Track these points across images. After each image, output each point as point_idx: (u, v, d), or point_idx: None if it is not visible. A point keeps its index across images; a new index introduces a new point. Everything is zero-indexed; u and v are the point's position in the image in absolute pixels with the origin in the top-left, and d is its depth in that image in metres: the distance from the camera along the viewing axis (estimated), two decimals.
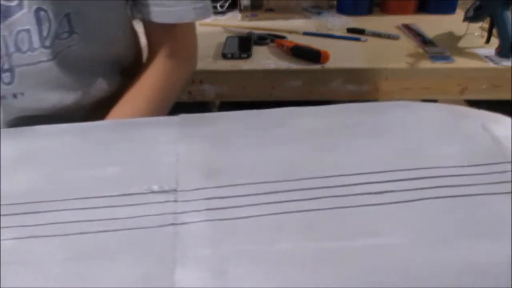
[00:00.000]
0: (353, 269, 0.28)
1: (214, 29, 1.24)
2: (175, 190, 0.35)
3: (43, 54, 0.57)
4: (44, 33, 0.56)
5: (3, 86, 0.58)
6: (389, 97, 1.00)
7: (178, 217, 0.33)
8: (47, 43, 0.57)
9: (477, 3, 1.04)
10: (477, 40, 1.11)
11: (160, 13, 0.65)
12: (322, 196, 0.33)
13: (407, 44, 1.11)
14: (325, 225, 0.31)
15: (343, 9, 1.37)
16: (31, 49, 0.57)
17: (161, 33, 0.68)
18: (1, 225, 0.33)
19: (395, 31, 1.18)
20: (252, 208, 0.33)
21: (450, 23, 1.23)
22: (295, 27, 1.23)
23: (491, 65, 1.00)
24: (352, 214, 0.32)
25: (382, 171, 0.35)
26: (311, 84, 0.98)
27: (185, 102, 1.02)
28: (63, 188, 0.36)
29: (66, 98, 0.62)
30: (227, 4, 1.42)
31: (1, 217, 0.34)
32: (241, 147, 0.39)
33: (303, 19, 1.34)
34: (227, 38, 1.13)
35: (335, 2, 1.40)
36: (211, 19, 1.35)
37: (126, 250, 0.31)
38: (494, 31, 1.06)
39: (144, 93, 0.66)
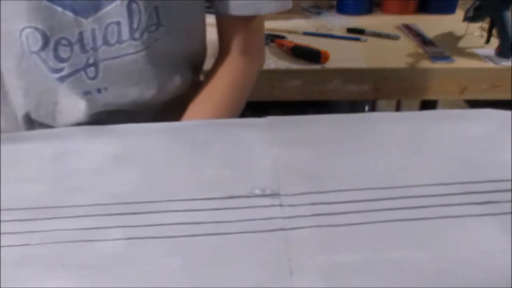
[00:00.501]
0: (464, 279, 0.28)
1: (214, 29, 1.23)
2: (278, 194, 0.35)
3: (131, 47, 0.58)
4: (135, 25, 0.56)
5: (87, 81, 0.58)
6: (389, 97, 1.00)
7: (287, 222, 0.32)
8: (137, 35, 0.57)
9: (477, 3, 1.04)
10: (477, 40, 1.11)
11: (238, 6, 0.64)
12: (424, 206, 0.33)
13: (407, 44, 1.11)
14: (431, 235, 0.31)
15: (343, 9, 1.37)
16: (120, 41, 0.57)
17: (236, 28, 0.67)
18: (112, 224, 0.33)
19: (395, 31, 1.18)
20: (358, 215, 0.33)
21: (450, 23, 1.23)
22: (295, 27, 1.23)
23: (491, 65, 1.00)
24: (452, 224, 0.32)
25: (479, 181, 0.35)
26: (311, 84, 0.98)
27: None
28: (164, 189, 0.36)
29: (146, 93, 0.62)
30: None
31: (111, 216, 0.34)
32: (338, 153, 0.39)
33: (303, 19, 1.34)
34: None
35: (335, 2, 1.40)
36: (211, 19, 1.35)
37: (239, 254, 0.30)
38: (494, 31, 1.06)
39: (220, 92, 0.65)
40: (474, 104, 1.41)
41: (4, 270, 0.30)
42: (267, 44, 1.11)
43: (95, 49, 0.57)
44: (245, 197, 0.35)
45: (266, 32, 1.19)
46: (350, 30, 1.19)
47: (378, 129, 0.43)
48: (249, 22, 0.66)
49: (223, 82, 0.66)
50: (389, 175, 0.36)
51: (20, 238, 0.33)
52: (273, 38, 1.12)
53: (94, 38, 0.56)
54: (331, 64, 0.99)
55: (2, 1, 0.55)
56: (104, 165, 0.39)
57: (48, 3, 0.54)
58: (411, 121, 0.45)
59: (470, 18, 1.06)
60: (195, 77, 0.70)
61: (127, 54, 0.58)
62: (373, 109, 1.94)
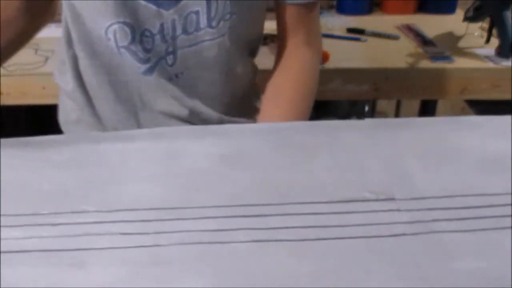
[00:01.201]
0: None
1: None
2: (393, 199, 0.34)
3: (207, 34, 0.59)
4: (212, 14, 0.58)
5: (168, 68, 0.60)
6: (389, 97, 1.00)
7: (407, 227, 0.32)
8: (214, 23, 0.59)
9: (477, 3, 1.04)
10: (477, 40, 1.11)
11: None
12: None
13: (407, 44, 1.11)
14: None
15: (343, 9, 1.37)
16: (197, 29, 0.59)
17: (300, 17, 0.66)
18: (237, 227, 0.33)
19: (395, 31, 1.18)
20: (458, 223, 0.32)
21: (450, 23, 1.23)
22: None
23: (491, 65, 1.00)
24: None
25: None
26: None
27: None
28: (279, 192, 0.36)
29: (218, 79, 0.64)
30: None
31: (235, 218, 0.33)
32: (429, 162, 0.39)
33: None
34: None
35: (335, 2, 1.40)
36: None
37: (376, 259, 0.30)
38: (494, 31, 1.06)
39: (292, 85, 0.65)
40: (474, 104, 1.41)
41: (140, 270, 0.30)
42: (267, 44, 1.11)
43: (174, 38, 0.59)
44: (363, 201, 0.34)
45: (266, 32, 1.19)
46: (350, 30, 1.19)
47: (449, 140, 0.42)
48: (312, 9, 0.67)
49: (293, 75, 0.66)
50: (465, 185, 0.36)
51: (150, 239, 0.32)
52: (273, 38, 1.12)
53: (174, 28, 0.58)
54: (331, 64, 0.99)
55: (87, 1, 0.56)
56: (214, 166, 0.39)
57: None
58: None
59: (470, 18, 1.06)
60: (253, 62, 0.72)
61: (203, 41, 0.60)
62: (373, 109, 1.94)
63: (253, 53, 0.71)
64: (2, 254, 0.31)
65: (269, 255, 0.31)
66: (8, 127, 1.40)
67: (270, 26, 1.24)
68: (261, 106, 0.65)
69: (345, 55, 1.04)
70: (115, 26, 0.57)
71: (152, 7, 0.57)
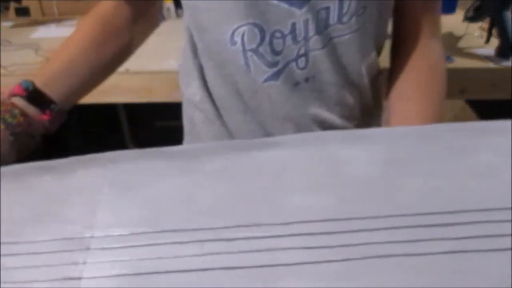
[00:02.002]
0: None
1: None
2: None
3: (336, 30, 0.56)
4: (344, 9, 0.55)
5: (297, 71, 0.57)
6: None
7: None
8: (345, 19, 0.56)
9: (477, 3, 1.04)
10: (477, 40, 1.11)
11: None
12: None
13: None
14: None
15: None
16: (326, 26, 0.56)
17: (428, 7, 0.61)
18: (427, 237, 0.31)
19: None
20: None
21: (450, 23, 1.23)
22: None
23: (491, 65, 1.00)
24: None
25: None
26: None
27: None
28: (458, 199, 0.33)
29: (346, 82, 0.60)
30: None
31: (419, 228, 0.31)
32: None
33: None
34: None
35: None
36: None
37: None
38: (494, 31, 1.06)
39: (427, 82, 0.60)
40: (474, 104, 1.41)
41: (337, 284, 0.29)
42: None
43: (306, 39, 0.56)
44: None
45: None
46: None
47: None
48: (436, 3, 0.61)
49: (424, 71, 0.61)
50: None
51: (337, 253, 0.30)
52: None
53: (306, 28, 0.55)
54: None
55: (214, 5, 0.54)
56: (379, 173, 0.36)
57: None
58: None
59: (470, 18, 1.07)
60: (378, 62, 0.66)
61: (332, 38, 0.56)
62: None
63: (379, 52, 0.66)
64: (181, 273, 0.30)
65: (471, 265, 0.29)
66: None
67: None
68: (389, 111, 0.61)
69: None
70: (244, 28, 0.54)
71: (284, 6, 0.54)
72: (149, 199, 0.35)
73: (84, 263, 0.31)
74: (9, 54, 1.12)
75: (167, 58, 1.04)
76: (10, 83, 1.09)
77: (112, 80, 1.00)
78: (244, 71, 0.56)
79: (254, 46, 0.55)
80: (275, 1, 0.53)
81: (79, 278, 0.31)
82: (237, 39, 0.55)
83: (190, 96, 0.64)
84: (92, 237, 0.33)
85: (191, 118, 0.67)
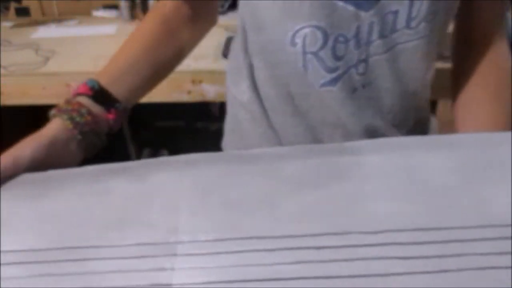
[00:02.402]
0: None
1: (214, 29, 1.23)
2: None
3: (403, 35, 0.53)
4: (413, 14, 0.52)
5: (356, 77, 0.55)
6: None
7: None
8: (413, 24, 0.53)
9: None
10: None
11: None
12: None
13: None
14: None
15: None
16: (393, 30, 0.53)
17: (494, 10, 0.59)
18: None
19: None
20: None
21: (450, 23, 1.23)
22: None
23: None
24: None
25: None
26: None
27: (185, 102, 1.02)
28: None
29: (404, 89, 0.57)
30: (227, 4, 1.42)
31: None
32: None
33: None
34: (227, 38, 1.13)
35: None
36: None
37: None
38: None
39: (502, 93, 0.57)
40: None
41: None
42: None
43: (368, 43, 0.53)
44: None
45: None
46: None
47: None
48: (503, 4, 0.59)
49: (495, 75, 0.58)
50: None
51: (433, 264, 0.30)
52: None
53: (370, 32, 0.52)
54: None
55: (278, 4, 0.52)
56: (462, 180, 0.35)
57: None
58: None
59: None
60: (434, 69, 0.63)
61: (397, 44, 0.54)
62: None
63: (437, 57, 0.64)
64: (271, 281, 0.29)
65: None
66: (8, 127, 1.40)
67: None
68: (458, 116, 0.59)
69: None
70: (306, 30, 0.52)
71: (351, 8, 0.51)
72: (231, 204, 0.34)
73: (172, 269, 0.31)
74: (9, 54, 1.12)
75: None
76: (10, 83, 1.09)
77: None
78: (300, 73, 0.55)
79: (315, 49, 0.53)
80: (341, 2, 0.50)
81: (169, 285, 0.30)
82: (298, 40, 0.53)
83: (238, 95, 0.63)
84: (178, 242, 0.32)
85: (235, 116, 0.65)
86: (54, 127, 0.49)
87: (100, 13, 1.44)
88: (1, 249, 0.33)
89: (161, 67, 0.61)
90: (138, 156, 2.11)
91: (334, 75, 0.54)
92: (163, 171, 0.38)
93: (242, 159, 0.38)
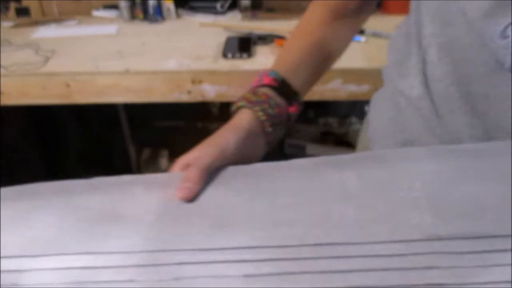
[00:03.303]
0: None
1: (214, 29, 1.24)
2: None
3: None
4: None
5: None
6: None
7: None
8: None
9: None
10: None
11: None
12: None
13: None
14: None
15: None
16: None
17: None
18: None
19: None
20: None
21: None
22: None
23: None
24: None
25: None
26: None
27: (185, 102, 1.02)
28: None
29: None
30: (227, 4, 1.42)
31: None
32: None
33: None
34: (227, 38, 1.13)
35: None
36: (211, 19, 1.35)
37: None
38: None
39: None
40: None
41: None
42: (267, 44, 1.11)
43: None
44: None
45: (266, 32, 1.19)
46: None
47: None
48: None
49: None
50: None
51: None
52: (273, 38, 1.12)
53: None
54: None
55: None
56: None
57: None
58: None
59: None
60: None
61: None
62: None
63: None
64: None
65: None
66: (8, 127, 1.40)
67: (270, 26, 1.24)
68: None
69: (345, 55, 1.03)
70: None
71: None
72: None
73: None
74: (9, 54, 1.12)
75: (167, 58, 1.04)
76: (10, 83, 1.09)
77: (112, 80, 1.00)
78: (487, 73, 0.51)
79: None
80: None
81: None
82: (510, 32, 0.48)
83: (405, 90, 0.59)
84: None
85: (397, 105, 0.61)
86: (248, 119, 0.47)
87: (100, 13, 1.44)
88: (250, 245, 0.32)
89: (331, 59, 0.60)
90: (138, 156, 2.11)
91: None
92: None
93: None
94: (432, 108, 0.57)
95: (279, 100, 0.51)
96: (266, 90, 0.50)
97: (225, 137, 0.44)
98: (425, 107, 0.57)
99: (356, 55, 1.05)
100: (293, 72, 0.54)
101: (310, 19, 0.59)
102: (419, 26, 0.56)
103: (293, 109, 0.52)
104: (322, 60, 0.58)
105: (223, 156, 0.42)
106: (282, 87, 0.52)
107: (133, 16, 1.38)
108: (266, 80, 0.51)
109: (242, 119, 0.47)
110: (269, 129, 0.48)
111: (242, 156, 0.44)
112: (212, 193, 0.38)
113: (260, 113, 0.48)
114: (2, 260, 0.32)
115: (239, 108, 0.49)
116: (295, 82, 0.54)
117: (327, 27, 0.58)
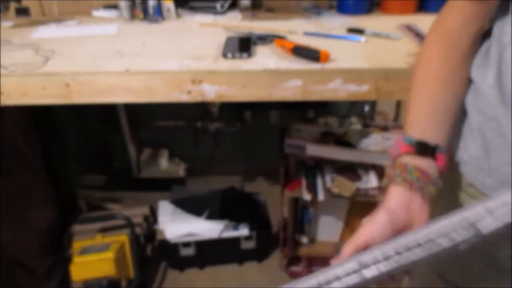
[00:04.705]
0: None
1: (214, 29, 1.24)
2: None
3: None
4: None
5: None
6: (389, 97, 1.00)
7: None
8: None
9: None
10: None
11: None
12: None
13: (407, 44, 1.11)
14: None
15: (343, 9, 1.37)
16: None
17: None
18: None
19: (395, 31, 1.18)
20: None
21: None
22: (295, 27, 1.23)
23: None
24: None
25: None
26: (311, 84, 0.98)
27: (185, 102, 1.02)
28: None
29: None
30: (227, 4, 1.42)
31: None
32: None
33: (303, 19, 1.34)
34: (227, 38, 1.13)
35: (335, 2, 1.40)
36: (211, 19, 1.35)
37: None
38: None
39: None
40: None
41: None
42: (267, 44, 1.11)
43: None
44: None
45: (266, 32, 1.19)
46: (350, 30, 1.19)
47: None
48: None
49: None
50: None
51: None
52: (273, 38, 1.12)
53: None
54: (331, 64, 0.99)
55: None
56: None
57: None
58: None
59: None
60: None
61: None
62: (373, 109, 1.94)
63: None
64: None
65: None
66: (8, 127, 1.40)
67: (270, 26, 1.24)
68: None
69: (345, 55, 1.04)
70: None
71: None
72: None
73: None
74: (9, 54, 1.12)
75: (167, 58, 1.04)
76: (10, 83, 1.09)
77: (112, 80, 1.00)
78: None
79: None
80: None
81: None
82: None
83: (478, 79, 0.58)
84: None
85: (479, 108, 0.59)
86: (393, 195, 0.53)
87: (100, 13, 1.44)
88: None
89: (461, 94, 0.59)
90: (138, 156, 2.11)
91: None
92: None
93: None
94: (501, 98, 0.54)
95: (422, 161, 0.54)
96: (405, 158, 0.54)
97: (378, 220, 0.51)
98: (503, 122, 0.54)
99: (356, 55, 1.05)
100: (427, 128, 0.56)
101: (431, 61, 0.58)
102: (502, 28, 0.53)
103: (440, 162, 0.55)
104: (455, 100, 0.58)
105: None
106: (419, 149, 0.55)
107: (133, 16, 1.38)
108: (403, 149, 0.55)
109: (390, 195, 0.53)
110: (419, 192, 0.52)
111: (409, 221, 0.51)
112: None
113: (402, 183, 0.53)
114: None
115: (387, 185, 0.54)
116: (432, 135, 0.55)
117: (450, 66, 0.57)
